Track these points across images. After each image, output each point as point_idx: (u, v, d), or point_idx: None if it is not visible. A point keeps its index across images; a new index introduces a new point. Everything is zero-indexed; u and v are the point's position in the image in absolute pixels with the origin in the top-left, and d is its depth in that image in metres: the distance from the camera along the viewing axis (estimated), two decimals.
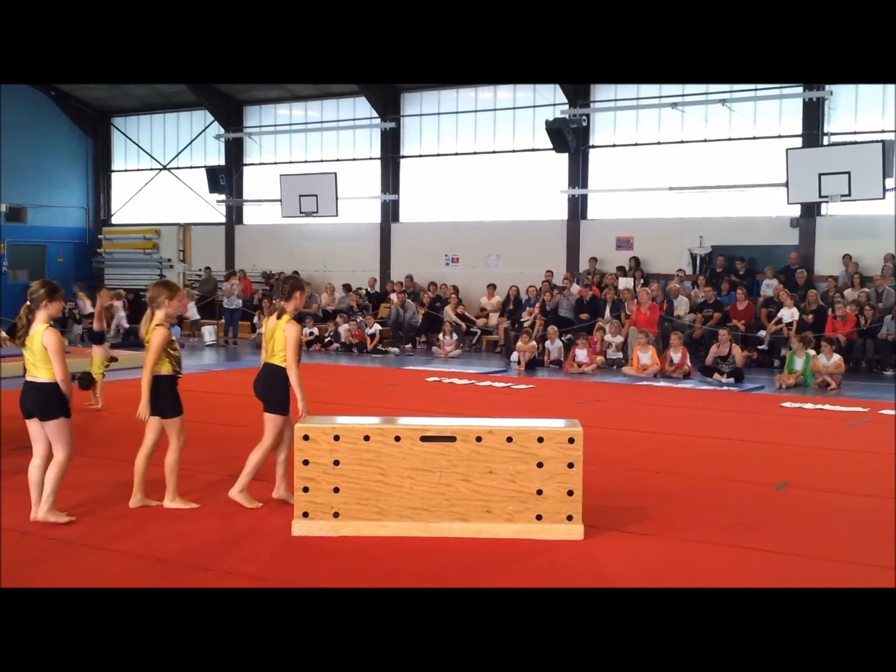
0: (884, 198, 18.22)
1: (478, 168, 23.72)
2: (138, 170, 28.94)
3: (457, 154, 24.04)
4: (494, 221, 23.29)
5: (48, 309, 6.39)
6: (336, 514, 6.29)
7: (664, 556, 6.04)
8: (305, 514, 6.31)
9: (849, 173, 18.12)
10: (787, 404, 12.92)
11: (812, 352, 15.25)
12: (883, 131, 19.17)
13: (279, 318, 6.92)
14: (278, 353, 6.87)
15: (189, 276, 27.47)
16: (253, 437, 9.53)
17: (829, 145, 19.58)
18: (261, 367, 7.07)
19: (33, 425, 6.49)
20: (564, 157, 22.10)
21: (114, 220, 29.59)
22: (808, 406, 12.77)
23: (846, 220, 19.69)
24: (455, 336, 19.90)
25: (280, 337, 6.85)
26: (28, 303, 6.42)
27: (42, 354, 6.33)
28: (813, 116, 19.90)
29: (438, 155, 24.31)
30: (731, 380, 15.31)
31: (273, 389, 6.90)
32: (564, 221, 22.52)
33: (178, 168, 28.05)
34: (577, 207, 22.41)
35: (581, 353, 17.07)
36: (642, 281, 20.42)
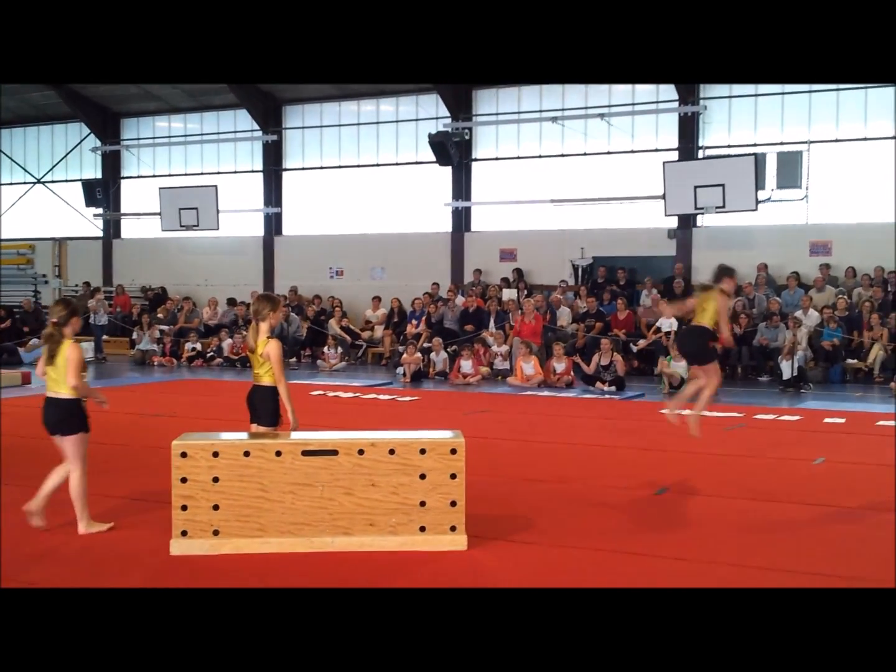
0: (756, 209, 18.85)
1: (361, 181, 23.70)
2: (11, 184, 28.08)
3: (340, 167, 23.97)
4: (379, 234, 23.28)
5: (73, 326, 6.66)
6: (216, 532, 6.16)
7: (548, 563, 6.07)
8: (184, 533, 6.16)
9: (723, 186, 18.69)
10: (666, 411, 13.14)
11: None
12: (755, 145, 19.83)
13: None
14: None
15: (65, 291, 26.71)
16: (135, 455, 9.31)
17: (704, 158, 20.17)
18: None
19: (58, 441, 6.62)
20: (448, 170, 22.25)
21: None
22: (686, 412, 13.00)
23: (721, 230, 20.27)
24: (340, 349, 19.78)
25: None
26: (55, 321, 6.59)
27: (66, 370, 6.49)
28: (688, 130, 20.45)
29: (321, 168, 24.20)
30: (613, 388, 15.58)
31: None
32: (449, 234, 22.65)
33: (53, 182, 27.31)
34: (461, 220, 22.56)
35: (466, 365, 17.16)
36: (526, 292, 20.66)
